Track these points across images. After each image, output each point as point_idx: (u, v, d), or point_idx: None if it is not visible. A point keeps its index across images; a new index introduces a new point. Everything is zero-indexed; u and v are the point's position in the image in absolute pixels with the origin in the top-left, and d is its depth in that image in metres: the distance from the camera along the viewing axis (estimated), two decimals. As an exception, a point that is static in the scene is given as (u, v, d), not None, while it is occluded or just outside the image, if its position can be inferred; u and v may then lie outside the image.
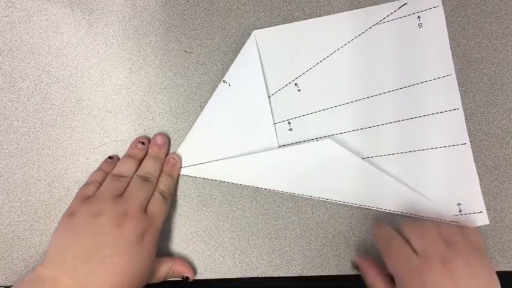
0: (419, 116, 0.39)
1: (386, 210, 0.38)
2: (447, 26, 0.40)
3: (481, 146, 0.39)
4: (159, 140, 0.39)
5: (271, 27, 0.40)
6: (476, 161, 0.39)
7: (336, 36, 0.40)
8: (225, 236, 0.39)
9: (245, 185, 0.39)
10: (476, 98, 0.40)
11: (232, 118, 0.39)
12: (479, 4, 0.41)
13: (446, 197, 0.38)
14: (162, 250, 0.39)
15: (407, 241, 0.32)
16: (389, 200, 0.38)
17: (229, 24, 0.41)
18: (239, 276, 0.38)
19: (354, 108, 0.39)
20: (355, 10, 0.40)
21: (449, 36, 0.40)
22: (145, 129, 0.40)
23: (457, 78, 0.39)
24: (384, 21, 0.39)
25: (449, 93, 0.39)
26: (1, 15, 0.40)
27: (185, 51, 0.41)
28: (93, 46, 0.40)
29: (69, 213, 0.33)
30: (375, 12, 0.40)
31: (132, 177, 0.36)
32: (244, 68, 0.39)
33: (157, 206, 0.35)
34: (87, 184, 0.36)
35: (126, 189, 0.35)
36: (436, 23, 0.40)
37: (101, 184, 0.36)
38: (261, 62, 0.39)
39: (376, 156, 0.39)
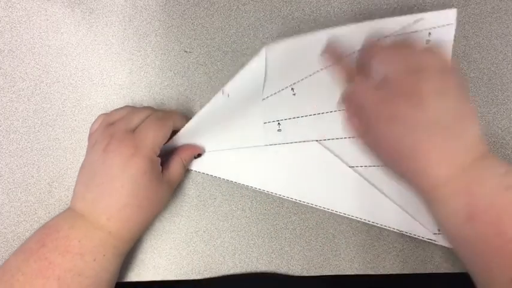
0: None
1: (366, 221, 0.37)
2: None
3: (481, 146, 0.39)
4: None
5: (281, 41, 0.36)
6: (476, 161, 0.39)
7: (348, 46, 0.38)
8: (225, 236, 0.39)
9: (244, 185, 0.39)
10: (476, 98, 0.40)
11: (223, 119, 0.38)
12: (479, 4, 0.41)
13: (425, 213, 0.37)
14: (162, 249, 0.39)
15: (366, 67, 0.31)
16: (370, 211, 0.37)
17: (229, 24, 0.41)
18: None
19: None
20: (372, 21, 0.37)
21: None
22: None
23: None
24: (394, 34, 0.38)
25: None
26: (1, 15, 0.40)
27: (185, 51, 0.41)
28: (93, 46, 0.40)
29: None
30: (388, 25, 0.38)
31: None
32: (248, 83, 0.38)
33: (146, 126, 0.34)
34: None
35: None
36: (444, 40, 0.38)
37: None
38: (265, 75, 0.37)
39: (363, 167, 0.38)
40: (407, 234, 0.37)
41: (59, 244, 0.30)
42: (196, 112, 0.40)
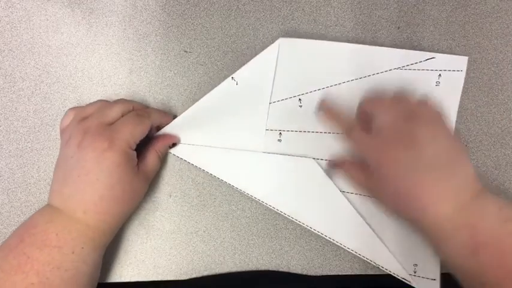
0: None
1: (346, 247, 0.37)
2: (447, 25, 0.40)
3: (481, 146, 0.39)
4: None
5: (298, 39, 0.38)
6: (476, 161, 0.39)
7: (356, 67, 0.39)
8: (225, 236, 0.39)
9: (231, 185, 0.39)
10: (476, 98, 0.40)
11: (228, 111, 0.38)
12: (479, 4, 0.41)
13: (406, 253, 0.37)
14: (162, 249, 0.39)
15: (369, 119, 0.34)
16: (352, 239, 0.37)
17: (229, 24, 0.41)
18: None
19: (345, 140, 0.38)
20: (384, 48, 0.38)
21: (449, 36, 0.40)
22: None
23: (457, 78, 0.39)
24: (406, 68, 0.38)
25: None
26: (1, 15, 0.40)
27: (185, 51, 0.41)
28: (93, 46, 0.40)
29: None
30: (401, 56, 0.38)
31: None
32: (258, 72, 0.38)
33: (124, 121, 0.34)
34: None
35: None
36: (453, 86, 0.39)
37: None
38: (275, 70, 0.38)
39: (353, 194, 0.38)
40: (384, 270, 0.37)
41: (37, 238, 0.30)
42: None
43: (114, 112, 0.34)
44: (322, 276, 0.38)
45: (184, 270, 0.39)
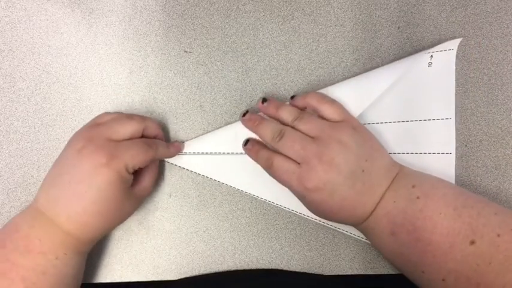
0: (412, 153, 0.38)
1: (357, 237, 0.38)
2: (447, 25, 0.40)
3: (481, 146, 0.39)
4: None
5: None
6: (476, 160, 0.39)
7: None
8: (225, 236, 0.39)
9: (232, 187, 0.39)
10: (476, 98, 0.40)
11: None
12: (479, 4, 0.41)
13: None
14: (162, 249, 0.39)
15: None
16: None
17: (229, 24, 0.41)
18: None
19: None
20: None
21: (449, 36, 0.40)
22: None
23: (457, 79, 0.39)
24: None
25: (445, 137, 0.38)
26: (1, 15, 0.40)
27: (185, 51, 0.41)
28: (93, 46, 0.40)
29: None
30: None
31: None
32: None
33: (131, 145, 0.33)
34: None
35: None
36: (446, 65, 0.39)
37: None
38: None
39: None
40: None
41: (20, 244, 0.30)
42: (196, 112, 0.40)
43: (125, 131, 0.34)
44: (322, 276, 0.38)
45: (184, 270, 0.39)
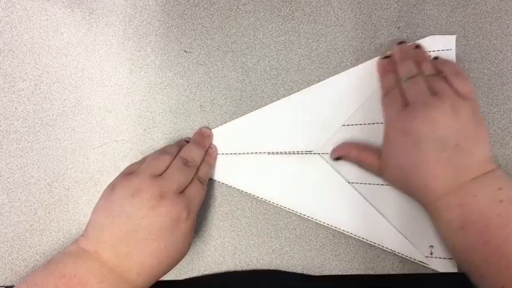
0: None
1: (362, 238, 0.37)
2: (447, 25, 0.40)
3: (481, 146, 0.39)
4: (206, 131, 0.39)
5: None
6: (476, 161, 0.39)
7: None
8: (225, 236, 0.39)
9: (240, 190, 0.39)
10: (476, 98, 0.40)
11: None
12: (479, 4, 0.41)
13: (420, 236, 0.37)
14: (162, 250, 0.39)
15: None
16: (366, 229, 0.37)
17: (229, 24, 0.41)
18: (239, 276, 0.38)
19: (348, 130, 0.39)
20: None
21: (449, 36, 0.40)
22: (145, 129, 0.40)
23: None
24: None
25: None
26: (1, 15, 0.40)
27: (185, 51, 0.41)
28: (93, 46, 0.40)
29: (111, 187, 0.33)
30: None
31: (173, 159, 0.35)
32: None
33: (195, 190, 0.34)
34: (138, 161, 0.36)
35: (166, 170, 0.34)
36: None
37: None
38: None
39: (362, 184, 0.38)
40: (401, 255, 0.37)
41: None
42: (196, 112, 0.40)
43: (187, 177, 0.34)
44: (322, 276, 0.38)
45: (184, 270, 0.39)
